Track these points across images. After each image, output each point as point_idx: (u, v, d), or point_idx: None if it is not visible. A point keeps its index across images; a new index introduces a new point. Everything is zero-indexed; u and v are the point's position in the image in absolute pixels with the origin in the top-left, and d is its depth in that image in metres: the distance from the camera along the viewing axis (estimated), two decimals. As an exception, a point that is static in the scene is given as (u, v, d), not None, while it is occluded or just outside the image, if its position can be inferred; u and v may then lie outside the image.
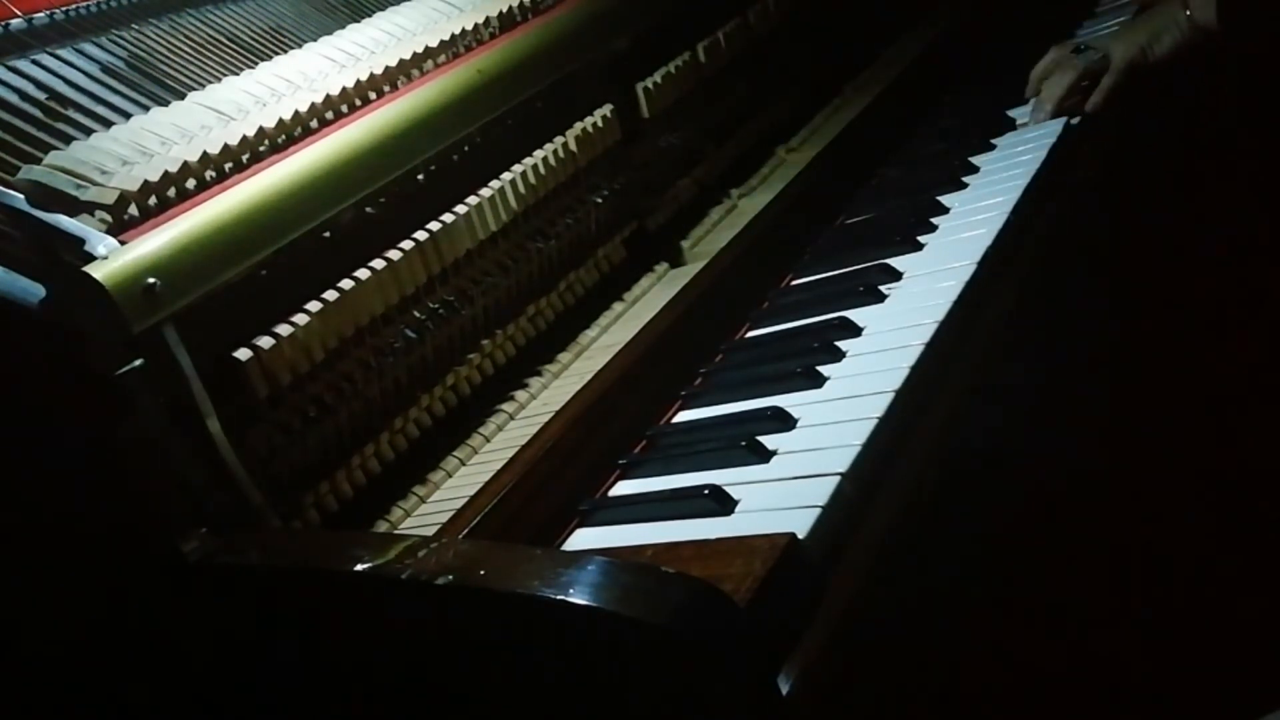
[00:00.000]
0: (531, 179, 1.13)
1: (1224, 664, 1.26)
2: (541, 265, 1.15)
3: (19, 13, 1.03)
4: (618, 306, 1.21)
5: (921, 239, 1.21)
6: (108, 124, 0.98)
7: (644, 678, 0.66)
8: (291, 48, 1.14)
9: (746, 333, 1.18)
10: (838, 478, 0.83)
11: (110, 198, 0.86)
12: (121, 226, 0.86)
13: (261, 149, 0.98)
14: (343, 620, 0.80)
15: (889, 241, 1.21)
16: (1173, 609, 1.34)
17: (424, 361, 1.03)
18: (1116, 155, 1.41)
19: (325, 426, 0.94)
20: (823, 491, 0.82)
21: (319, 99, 1.03)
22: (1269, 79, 1.42)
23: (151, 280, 0.81)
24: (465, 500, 0.92)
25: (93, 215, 0.86)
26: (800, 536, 0.76)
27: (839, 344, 1.04)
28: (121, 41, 1.09)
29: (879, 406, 0.91)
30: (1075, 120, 1.40)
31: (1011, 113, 1.47)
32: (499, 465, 0.95)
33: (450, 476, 1.00)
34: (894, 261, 1.17)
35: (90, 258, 0.81)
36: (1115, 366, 1.52)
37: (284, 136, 1.00)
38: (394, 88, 1.10)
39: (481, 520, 0.89)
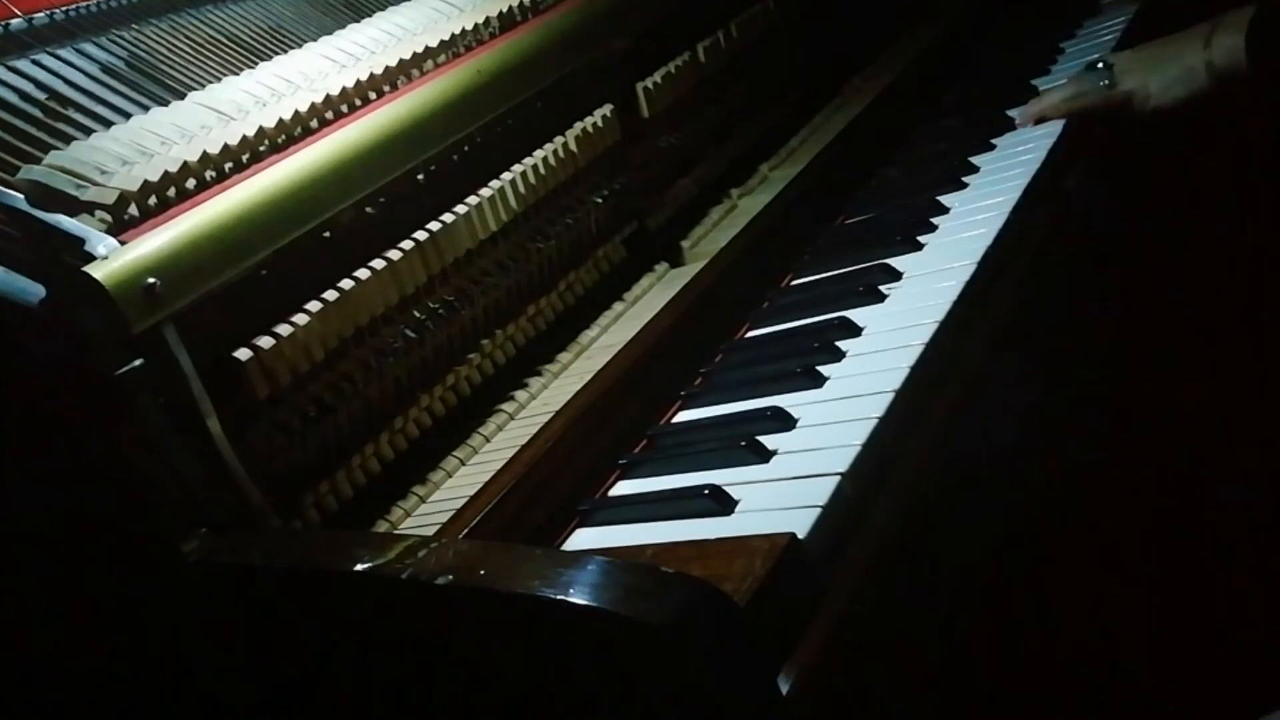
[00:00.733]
0: (531, 179, 1.13)
1: (1224, 664, 1.26)
2: (541, 265, 1.15)
3: (19, 13, 1.03)
4: (618, 306, 1.21)
5: (921, 239, 1.21)
6: (108, 124, 0.98)
7: (644, 678, 0.65)
8: (291, 48, 1.14)
9: (746, 333, 1.18)
10: (838, 478, 0.83)
11: (110, 198, 0.86)
12: (121, 226, 0.86)
13: (261, 149, 0.98)
14: (343, 620, 0.80)
15: (889, 241, 1.21)
16: (1173, 609, 1.34)
17: (424, 361, 1.03)
18: (1117, 155, 1.41)
19: (325, 426, 0.94)
20: (823, 491, 0.82)
21: (319, 99, 1.03)
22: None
23: (151, 280, 0.81)
24: (465, 500, 0.92)
25: (93, 215, 0.86)
26: (800, 536, 0.76)
27: (839, 344, 1.04)
28: (121, 41, 1.09)
29: (879, 406, 0.91)
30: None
31: (1011, 113, 1.46)
32: (499, 465, 0.95)
33: (450, 476, 1.00)
34: (894, 261, 1.17)
35: (90, 258, 0.81)
36: (1116, 365, 1.52)
37: (284, 136, 1.00)
38: (394, 88, 1.10)
39: (481, 520, 0.89)
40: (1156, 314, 1.57)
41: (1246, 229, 1.59)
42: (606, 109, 1.23)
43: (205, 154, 0.93)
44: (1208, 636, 1.30)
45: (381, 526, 0.94)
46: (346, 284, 0.95)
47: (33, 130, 0.95)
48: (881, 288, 1.13)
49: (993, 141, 1.41)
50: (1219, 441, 1.47)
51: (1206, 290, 1.57)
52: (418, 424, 1.02)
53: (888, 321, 1.06)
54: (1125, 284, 1.56)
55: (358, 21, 1.20)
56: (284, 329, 0.90)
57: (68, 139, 0.94)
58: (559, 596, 0.66)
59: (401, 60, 1.11)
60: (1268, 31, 1.21)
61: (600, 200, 1.22)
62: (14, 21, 1.03)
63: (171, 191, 0.91)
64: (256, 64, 1.09)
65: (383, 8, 1.26)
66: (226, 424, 0.85)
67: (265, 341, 0.89)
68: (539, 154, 1.14)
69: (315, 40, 1.14)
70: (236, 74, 1.07)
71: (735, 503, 0.85)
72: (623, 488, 0.97)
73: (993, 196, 1.25)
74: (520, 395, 1.08)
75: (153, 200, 0.90)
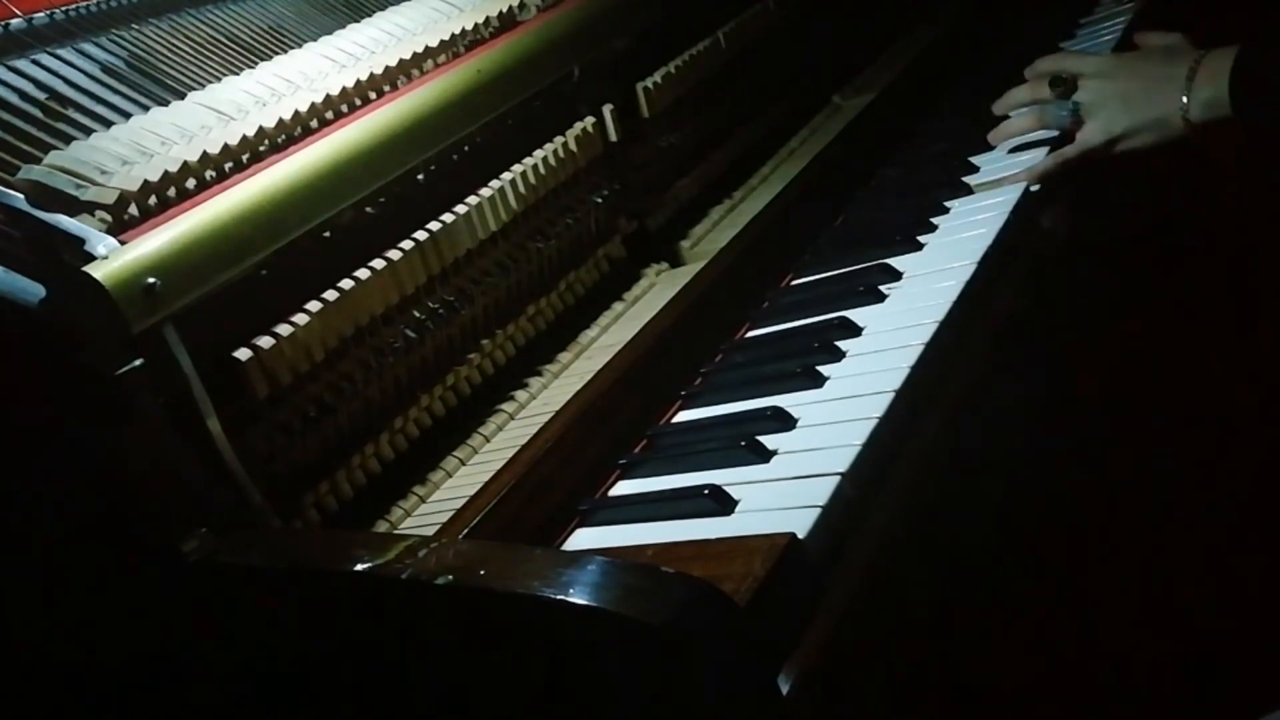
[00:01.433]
0: (532, 179, 1.13)
1: (1224, 663, 1.26)
2: (541, 265, 1.15)
3: (19, 13, 1.03)
4: (618, 306, 1.21)
5: (921, 239, 1.21)
6: (108, 124, 0.98)
7: (644, 678, 0.66)
8: (291, 48, 1.14)
9: (746, 333, 1.18)
10: (838, 478, 0.83)
11: (110, 198, 0.86)
12: (121, 226, 0.86)
13: (261, 149, 0.98)
14: (343, 620, 0.80)
15: (889, 241, 1.21)
16: (1173, 609, 1.34)
17: (424, 361, 1.03)
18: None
19: (325, 426, 0.94)
20: (823, 491, 0.82)
21: (319, 99, 1.03)
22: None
23: (151, 280, 0.81)
24: (465, 500, 0.92)
25: (93, 215, 0.86)
26: (800, 536, 0.76)
27: (839, 344, 1.04)
28: (121, 41, 1.09)
29: (879, 406, 0.91)
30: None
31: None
32: (499, 465, 0.95)
33: (450, 476, 1.00)
34: (894, 261, 1.17)
35: (90, 258, 0.81)
36: (1116, 365, 1.52)
37: (284, 136, 1.00)
38: (394, 88, 1.10)
39: (481, 520, 0.89)
40: (1157, 313, 1.57)
41: (1246, 229, 1.59)
42: (606, 109, 1.23)
43: (205, 154, 0.93)
44: (1207, 636, 1.30)
45: (381, 526, 0.94)
46: (346, 284, 0.95)
47: (33, 130, 0.95)
48: (881, 288, 1.13)
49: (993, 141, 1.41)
50: (1219, 441, 1.47)
51: (1210, 288, 1.57)
52: (418, 424, 1.02)
53: (888, 321, 1.06)
54: (1126, 282, 1.56)
55: (358, 21, 1.20)
56: (284, 329, 0.90)
57: (68, 139, 0.94)
58: (559, 596, 0.66)
59: (401, 60, 1.11)
60: (1255, 74, 1.13)
61: (600, 200, 1.22)
62: (14, 21, 1.03)
63: (171, 191, 0.91)
64: (256, 64, 1.09)
65: (383, 8, 1.26)
66: (226, 424, 0.85)
67: (265, 341, 0.89)
68: (539, 154, 1.14)
69: (315, 40, 1.14)
70: (236, 74, 1.07)
71: (735, 503, 0.85)
72: (623, 488, 0.97)
73: (993, 196, 1.25)
74: (520, 395, 1.08)
75: (153, 200, 0.90)
